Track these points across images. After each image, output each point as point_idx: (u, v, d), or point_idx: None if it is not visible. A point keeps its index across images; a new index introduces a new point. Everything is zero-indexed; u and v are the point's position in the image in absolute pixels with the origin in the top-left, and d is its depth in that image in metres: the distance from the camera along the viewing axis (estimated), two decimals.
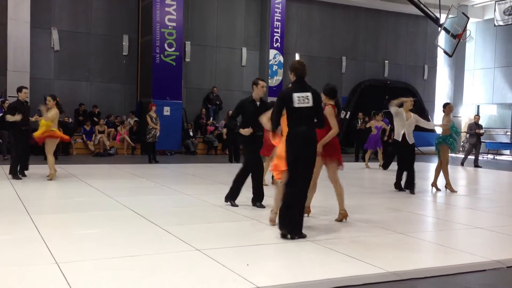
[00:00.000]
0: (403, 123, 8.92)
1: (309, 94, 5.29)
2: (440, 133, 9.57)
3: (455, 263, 4.63)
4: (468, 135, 16.57)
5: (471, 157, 16.03)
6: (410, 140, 8.91)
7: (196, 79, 19.12)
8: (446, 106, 9.56)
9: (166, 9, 17.03)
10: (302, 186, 5.29)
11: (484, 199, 8.83)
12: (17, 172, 9.58)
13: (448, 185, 9.33)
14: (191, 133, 17.81)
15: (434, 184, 9.46)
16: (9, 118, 9.51)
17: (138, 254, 4.55)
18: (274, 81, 19.50)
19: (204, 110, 18.70)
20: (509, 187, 11.78)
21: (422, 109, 20.49)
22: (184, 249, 4.80)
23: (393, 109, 8.97)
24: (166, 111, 16.83)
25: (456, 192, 9.30)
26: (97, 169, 11.92)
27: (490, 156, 21.20)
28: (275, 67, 19.75)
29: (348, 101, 21.18)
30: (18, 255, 4.49)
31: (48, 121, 9.45)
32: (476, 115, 16.92)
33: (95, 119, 16.91)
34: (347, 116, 20.35)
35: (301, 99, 5.24)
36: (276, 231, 5.43)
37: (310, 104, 5.27)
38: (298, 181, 5.24)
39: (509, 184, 12.35)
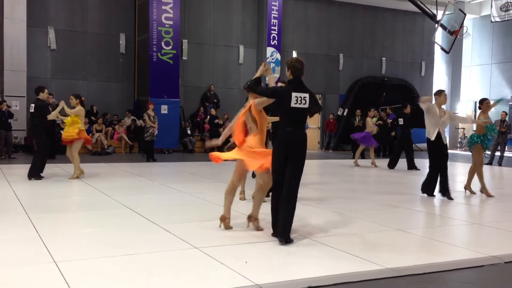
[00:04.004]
0: (437, 121, 8.08)
1: (306, 95, 5.13)
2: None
3: (453, 259, 4.64)
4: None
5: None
6: (445, 140, 8.09)
7: (194, 77, 19.10)
8: (483, 102, 8.62)
9: (163, 7, 17.00)
10: (288, 189, 5.07)
11: (482, 195, 8.83)
12: (38, 173, 9.56)
13: (483, 189, 8.61)
14: (188, 131, 17.80)
15: (467, 186, 8.83)
16: (52, 116, 9.77)
17: (137, 253, 4.55)
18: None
19: (202, 108, 18.69)
20: (507, 183, 11.82)
21: (419, 106, 20.48)
22: (183, 247, 4.80)
23: (424, 105, 8.20)
24: (164, 109, 16.81)
25: (493, 196, 8.52)
26: (95, 168, 11.89)
27: (488, 153, 21.20)
28: (272, 65, 19.73)
29: (346, 99, 21.17)
30: (17, 255, 4.49)
31: (73, 115, 9.67)
32: (503, 112, 15.75)
33: (92, 118, 16.87)
34: (345, 114, 20.35)
35: (299, 100, 5.07)
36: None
37: (306, 105, 5.14)
38: (282, 183, 5.09)
39: (507, 180, 12.39)
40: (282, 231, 5.02)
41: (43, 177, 9.54)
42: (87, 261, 4.29)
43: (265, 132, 5.65)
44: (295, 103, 5.07)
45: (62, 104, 9.81)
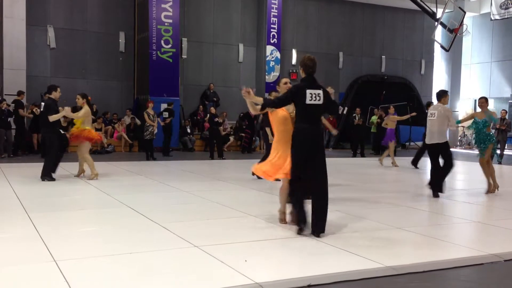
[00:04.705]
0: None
1: (320, 92, 5.30)
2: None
3: (453, 257, 4.64)
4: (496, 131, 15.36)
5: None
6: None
7: (193, 75, 19.09)
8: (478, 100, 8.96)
9: (163, 5, 17.00)
10: (315, 185, 5.24)
11: (481, 193, 8.84)
12: (50, 173, 9.25)
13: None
14: (188, 130, 17.80)
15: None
16: (54, 117, 9.22)
17: (137, 252, 4.55)
18: (271, 77, 19.48)
19: (201, 106, 18.69)
20: (507, 181, 11.81)
21: (419, 104, 20.50)
22: (183, 245, 4.80)
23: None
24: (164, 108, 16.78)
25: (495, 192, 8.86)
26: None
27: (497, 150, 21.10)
28: (272, 63, 19.72)
29: (345, 97, 21.17)
30: (16, 254, 4.49)
31: (80, 119, 9.43)
32: (503, 110, 15.91)
33: (92, 116, 16.82)
34: (345, 112, 20.34)
35: (313, 96, 5.23)
36: (273, 227, 5.43)
37: (321, 101, 5.28)
38: (302, 178, 5.24)
39: (507, 178, 12.38)
40: (321, 225, 5.19)
41: (54, 178, 9.27)
42: (87, 260, 4.29)
43: (286, 129, 5.53)
44: (310, 100, 5.21)
45: (66, 111, 9.51)
